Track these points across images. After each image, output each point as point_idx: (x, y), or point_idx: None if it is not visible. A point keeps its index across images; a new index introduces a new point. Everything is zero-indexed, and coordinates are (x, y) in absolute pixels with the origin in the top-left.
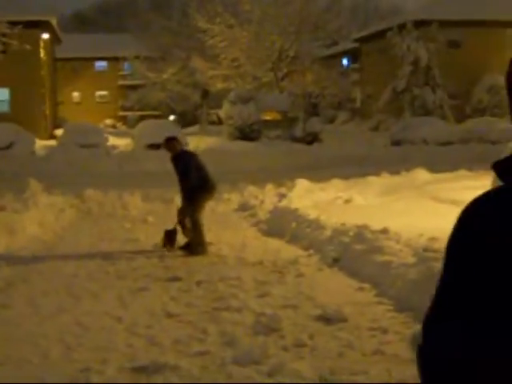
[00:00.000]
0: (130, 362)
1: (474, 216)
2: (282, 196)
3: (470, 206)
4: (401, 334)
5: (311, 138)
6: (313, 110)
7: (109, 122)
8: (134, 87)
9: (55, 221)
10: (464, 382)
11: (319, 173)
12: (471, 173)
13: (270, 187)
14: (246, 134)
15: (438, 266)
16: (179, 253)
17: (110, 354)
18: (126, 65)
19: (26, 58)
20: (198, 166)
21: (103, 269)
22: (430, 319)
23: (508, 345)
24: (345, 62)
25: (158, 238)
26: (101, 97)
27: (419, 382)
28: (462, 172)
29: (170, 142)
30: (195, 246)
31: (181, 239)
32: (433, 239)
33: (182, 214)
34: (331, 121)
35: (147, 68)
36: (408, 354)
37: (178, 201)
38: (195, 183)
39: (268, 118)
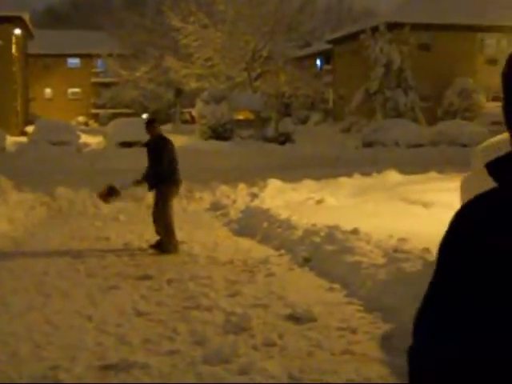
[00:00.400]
0: (98, 361)
1: (468, 219)
2: (254, 196)
3: (464, 208)
4: (370, 334)
5: (284, 139)
6: (285, 111)
7: (81, 119)
8: (106, 85)
9: (25, 218)
10: (455, 381)
11: (291, 173)
12: (441, 175)
13: (242, 187)
14: (219, 133)
15: (408, 266)
16: (150, 251)
17: (79, 353)
18: (99, 62)
19: None
20: (172, 157)
21: (73, 267)
22: (422, 320)
23: (501, 345)
24: (318, 63)
25: (129, 236)
26: (73, 94)
27: (390, 381)
28: (433, 174)
29: (151, 125)
30: (166, 244)
31: (152, 237)
32: (403, 240)
33: (155, 210)
34: (304, 121)
35: (120, 66)
36: (377, 353)
37: (149, 200)
38: (166, 169)
39: (241, 117)
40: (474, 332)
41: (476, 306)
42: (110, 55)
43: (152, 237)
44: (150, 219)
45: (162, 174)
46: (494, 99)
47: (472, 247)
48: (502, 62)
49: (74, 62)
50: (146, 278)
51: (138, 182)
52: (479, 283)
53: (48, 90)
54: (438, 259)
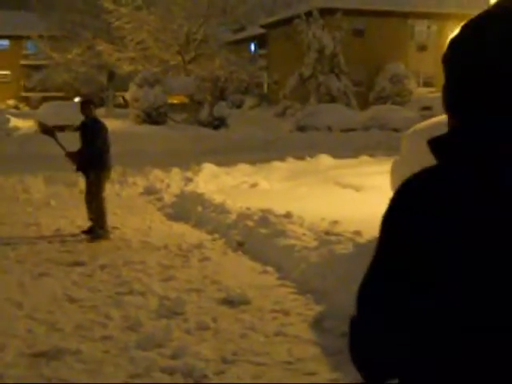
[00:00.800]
0: (29, 348)
1: (406, 195)
2: (188, 180)
3: (403, 185)
4: (302, 316)
5: (218, 123)
6: (220, 95)
7: (11, 102)
8: (37, 67)
9: None
10: (392, 349)
11: (225, 157)
12: (373, 159)
13: (176, 171)
14: (153, 117)
15: (339, 248)
16: (82, 237)
17: (9, 340)
18: (29, 44)
19: None
20: (104, 140)
21: (3, 253)
22: (363, 293)
23: (434, 317)
24: (252, 47)
25: (61, 222)
26: (2, 76)
27: (322, 361)
28: (364, 158)
29: (87, 105)
30: (97, 229)
31: (84, 223)
32: (335, 223)
33: (88, 195)
34: (238, 106)
35: (51, 48)
36: (309, 334)
37: (81, 185)
38: (96, 152)
39: (175, 101)
40: (407, 305)
41: (415, 280)
42: (40, 37)
43: (84, 223)
44: (82, 205)
45: (92, 155)
46: (425, 85)
47: (409, 223)
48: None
49: (2, 43)
50: (78, 264)
51: (69, 155)
52: (415, 258)
53: None
54: (380, 234)
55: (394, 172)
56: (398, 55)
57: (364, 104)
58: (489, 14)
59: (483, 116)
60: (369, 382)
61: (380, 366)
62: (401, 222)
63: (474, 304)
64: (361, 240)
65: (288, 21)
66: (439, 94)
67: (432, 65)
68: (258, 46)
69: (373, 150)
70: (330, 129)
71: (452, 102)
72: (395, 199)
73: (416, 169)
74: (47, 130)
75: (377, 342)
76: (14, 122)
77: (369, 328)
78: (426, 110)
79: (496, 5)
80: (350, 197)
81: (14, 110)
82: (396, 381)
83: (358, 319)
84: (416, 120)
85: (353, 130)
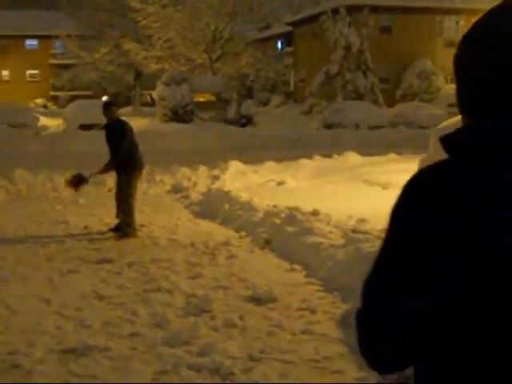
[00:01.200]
0: (58, 345)
1: (415, 190)
2: (215, 178)
3: (412, 179)
4: (329, 314)
5: (245, 121)
6: (247, 93)
7: (40, 101)
8: (65, 66)
9: None
10: (400, 340)
11: (252, 155)
12: (400, 156)
13: (203, 169)
14: (180, 115)
15: (366, 246)
16: (110, 235)
17: (38, 337)
18: (57, 43)
19: None
20: (131, 140)
21: (33, 251)
22: (370, 285)
23: (442, 309)
24: (279, 45)
25: (89, 220)
26: (31, 76)
27: (349, 359)
28: (392, 155)
29: (108, 108)
30: (125, 227)
31: (112, 221)
32: (362, 221)
33: (118, 193)
34: (265, 104)
35: (79, 47)
36: (336, 333)
37: (109, 183)
38: (126, 154)
39: (202, 99)
40: (416, 298)
41: (419, 273)
42: (68, 36)
43: (112, 220)
44: (110, 203)
45: (123, 158)
46: (453, 81)
47: (413, 217)
48: None
49: (32, 43)
50: (106, 261)
51: (104, 171)
52: (415, 253)
53: (5, 72)
54: (387, 227)
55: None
56: (425, 52)
57: (391, 101)
58: (499, 11)
59: (492, 116)
60: (379, 371)
61: (388, 357)
62: (405, 216)
63: (469, 303)
64: None
65: (314, 18)
66: None
67: None
68: (284, 44)
69: (400, 148)
70: (357, 126)
71: (463, 100)
72: (402, 194)
73: None
74: (83, 179)
75: (383, 334)
76: (43, 120)
77: (374, 320)
78: (454, 107)
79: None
80: (377, 194)
81: (42, 109)
82: (405, 371)
83: (364, 311)
84: (444, 117)
85: (380, 127)
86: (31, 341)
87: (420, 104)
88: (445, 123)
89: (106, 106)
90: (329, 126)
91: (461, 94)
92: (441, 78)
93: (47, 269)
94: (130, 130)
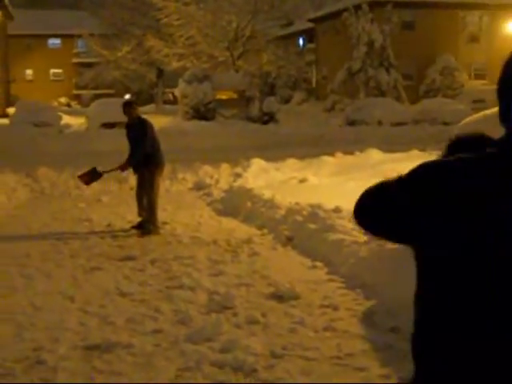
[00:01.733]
0: (82, 341)
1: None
2: (237, 175)
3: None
4: (351, 311)
5: (267, 118)
6: (269, 90)
7: (63, 100)
8: (88, 65)
9: (7, 200)
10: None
11: (274, 153)
12: (423, 153)
13: (225, 167)
14: (202, 113)
15: (388, 244)
16: (133, 232)
17: (62, 333)
18: (80, 42)
19: None
20: (153, 138)
21: (56, 248)
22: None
23: None
24: (300, 42)
25: (112, 217)
26: (55, 75)
27: (371, 356)
28: (415, 152)
29: (129, 107)
30: (147, 224)
31: (135, 219)
32: None
33: (139, 191)
34: (287, 101)
35: (102, 46)
36: (358, 329)
37: (132, 181)
38: (147, 152)
39: (224, 97)
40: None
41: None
42: (91, 35)
43: (135, 218)
44: (133, 201)
45: (145, 156)
46: (477, 77)
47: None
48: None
49: (55, 42)
50: (129, 258)
51: (122, 168)
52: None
53: (29, 71)
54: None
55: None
56: (448, 47)
57: (414, 97)
58: None
59: None
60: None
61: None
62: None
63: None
64: None
65: (336, 14)
66: (492, 87)
67: (484, 56)
68: (306, 41)
69: (423, 144)
70: (379, 123)
71: (505, 115)
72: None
73: None
74: (97, 174)
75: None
76: (66, 119)
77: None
78: (478, 103)
79: None
80: None
81: (65, 108)
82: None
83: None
84: (467, 113)
85: (403, 123)
86: (55, 337)
87: (443, 100)
88: (468, 119)
89: (126, 106)
90: (351, 123)
91: (503, 110)
92: (464, 73)
93: (71, 266)
94: (151, 127)
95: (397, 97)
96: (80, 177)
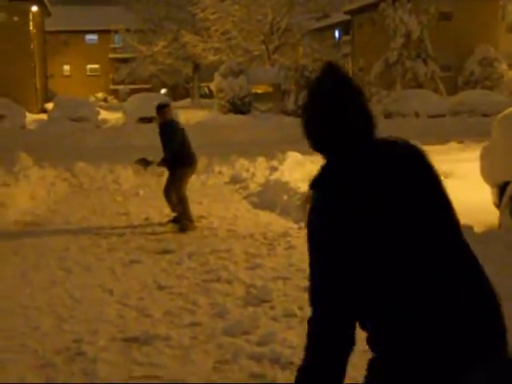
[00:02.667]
0: (121, 333)
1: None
2: (274, 169)
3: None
4: None
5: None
6: (305, 83)
7: (100, 95)
8: (125, 60)
9: (46, 194)
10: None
11: None
12: (462, 145)
13: (261, 160)
14: (237, 107)
15: None
16: (170, 226)
17: (101, 326)
18: (116, 38)
19: (15, 31)
20: (182, 140)
21: (95, 242)
22: (313, 295)
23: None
24: (336, 34)
25: (149, 211)
26: (91, 70)
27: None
28: (453, 144)
29: (162, 109)
30: (182, 220)
31: (171, 212)
32: None
33: (166, 188)
34: None
35: (138, 41)
36: None
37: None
38: (177, 152)
39: (259, 91)
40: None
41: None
42: (127, 30)
43: (171, 212)
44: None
45: (176, 156)
46: None
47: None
48: None
49: (91, 38)
50: (167, 252)
51: (160, 164)
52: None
53: (66, 67)
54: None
55: (483, 158)
56: (487, 37)
57: (453, 89)
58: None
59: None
60: None
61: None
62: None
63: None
64: None
65: (373, 6)
66: None
67: None
68: (341, 33)
69: (462, 137)
70: (417, 115)
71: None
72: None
73: (506, 154)
74: (147, 163)
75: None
76: (103, 114)
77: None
78: None
79: None
80: None
81: (102, 103)
82: None
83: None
84: (507, 104)
85: (441, 115)
86: (95, 329)
87: (483, 91)
88: (508, 110)
89: (160, 108)
90: (388, 115)
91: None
92: (504, 64)
93: (109, 259)
94: (181, 130)
95: (434, 88)
96: (138, 163)
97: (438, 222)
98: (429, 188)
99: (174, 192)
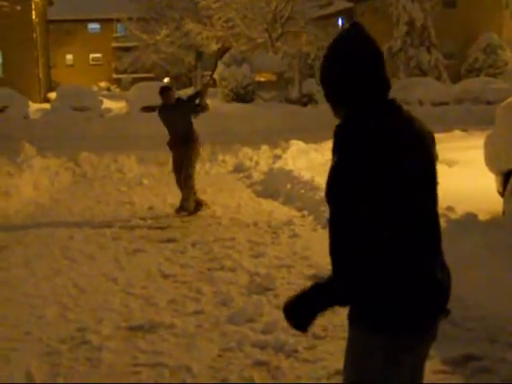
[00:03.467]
0: (125, 322)
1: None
2: (277, 157)
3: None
4: None
5: (306, 100)
6: (309, 72)
7: (103, 84)
8: (127, 49)
9: (50, 184)
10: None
11: (314, 134)
12: (466, 133)
13: (264, 149)
14: (241, 95)
15: None
16: (174, 214)
17: (106, 314)
18: (119, 26)
19: (17, 21)
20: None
21: (99, 231)
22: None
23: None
24: (340, 22)
25: (153, 200)
26: (94, 59)
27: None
28: (457, 132)
29: (166, 92)
30: (185, 200)
31: (176, 201)
32: None
33: (178, 172)
34: None
35: (141, 30)
36: None
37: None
38: (188, 129)
39: (263, 79)
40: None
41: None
42: (130, 19)
43: (176, 201)
44: (173, 183)
45: (182, 135)
46: None
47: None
48: None
49: (94, 27)
50: (171, 240)
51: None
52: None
53: (69, 56)
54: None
55: (487, 146)
56: (491, 25)
57: (456, 77)
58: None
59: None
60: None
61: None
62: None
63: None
64: (454, 216)
65: None
66: None
67: None
68: (345, 21)
69: (466, 124)
70: (420, 103)
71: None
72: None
73: (510, 141)
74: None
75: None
76: (106, 103)
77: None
78: None
79: None
80: (442, 172)
81: (105, 92)
82: None
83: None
84: (511, 92)
85: (444, 103)
86: (99, 318)
87: (486, 79)
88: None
89: (165, 90)
90: None
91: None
92: (508, 51)
93: (113, 248)
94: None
95: (438, 76)
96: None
97: (436, 193)
98: (435, 165)
99: (184, 170)
